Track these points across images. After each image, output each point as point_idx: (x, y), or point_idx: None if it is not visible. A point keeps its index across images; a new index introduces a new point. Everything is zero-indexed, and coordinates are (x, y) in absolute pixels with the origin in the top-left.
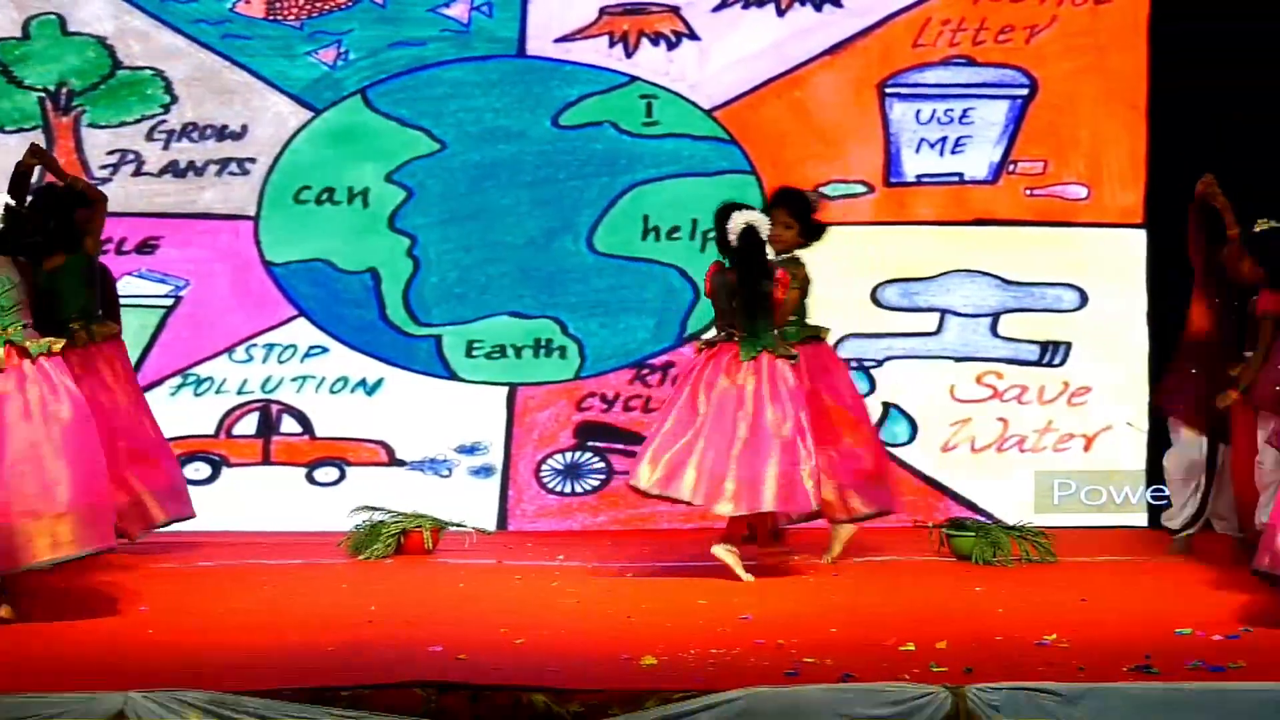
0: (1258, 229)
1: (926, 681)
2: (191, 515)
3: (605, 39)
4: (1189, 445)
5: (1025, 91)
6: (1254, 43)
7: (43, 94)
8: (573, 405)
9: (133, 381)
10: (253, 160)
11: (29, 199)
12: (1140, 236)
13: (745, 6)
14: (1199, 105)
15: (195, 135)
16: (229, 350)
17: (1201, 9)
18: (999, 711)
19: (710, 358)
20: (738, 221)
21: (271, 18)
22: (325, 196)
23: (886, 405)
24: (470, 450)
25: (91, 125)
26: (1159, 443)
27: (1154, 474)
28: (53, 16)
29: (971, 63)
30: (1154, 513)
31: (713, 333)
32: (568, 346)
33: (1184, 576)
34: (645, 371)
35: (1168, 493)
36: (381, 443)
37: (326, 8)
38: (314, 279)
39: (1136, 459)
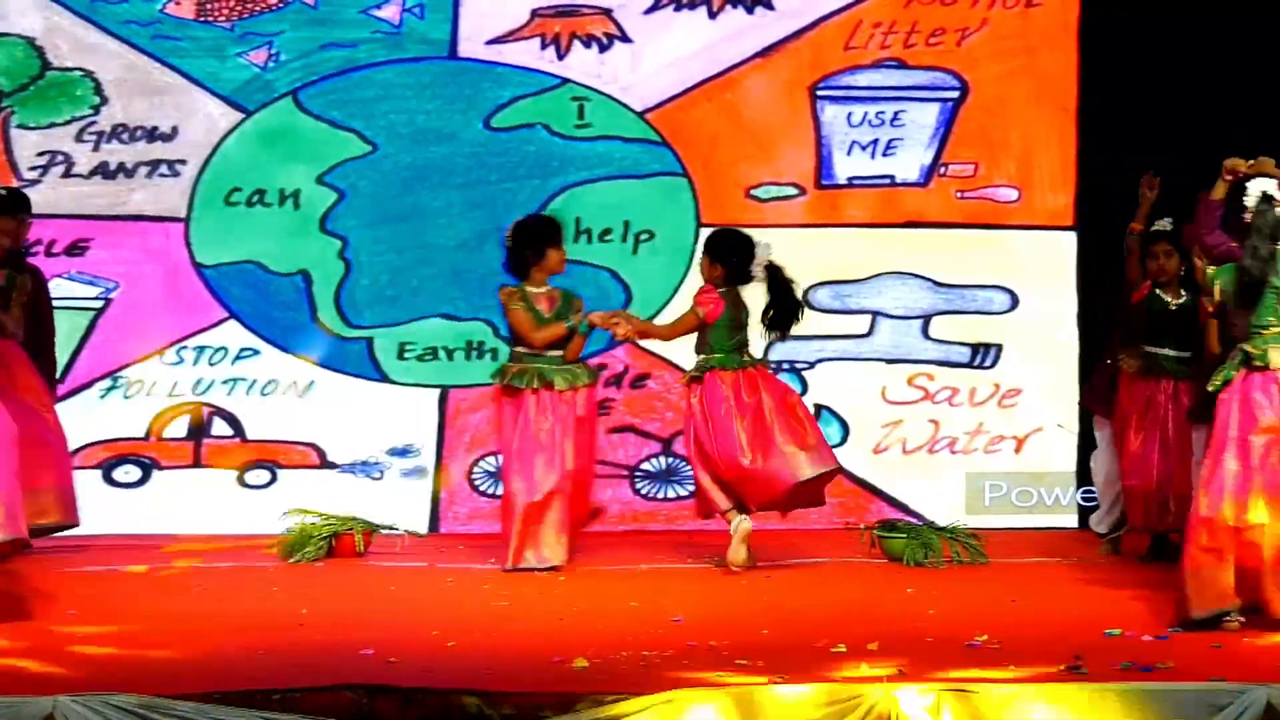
0: (1156, 228)
1: (858, 683)
2: (76, 523)
3: (537, 41)
4: (1113, 446)
5: (956, 94)
6: (1183, 44)
7: None
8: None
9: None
10: (183, 162)
11: None
12: (1071, 239)
13: (677, 9)
14: (1129, 107)
15: (125, 136)
16: (159, 352)
17: (1131, 11)
18: (930, 712)
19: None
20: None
21: (202, 19)
22: (256, 198)
23: (818, 407)
24: (402, 453)
25: (20, 127)
26: (1089, 444)
27: (1085, 475)
28: None
29: (903, 65)
30: (1084, 514)
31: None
32: (500, 349)
33: (1113, 578)
34: None
35: (1096, 494)
36: (313, 445)
37: (257, 9)
38: (245, 281)
39: (1067, 460)
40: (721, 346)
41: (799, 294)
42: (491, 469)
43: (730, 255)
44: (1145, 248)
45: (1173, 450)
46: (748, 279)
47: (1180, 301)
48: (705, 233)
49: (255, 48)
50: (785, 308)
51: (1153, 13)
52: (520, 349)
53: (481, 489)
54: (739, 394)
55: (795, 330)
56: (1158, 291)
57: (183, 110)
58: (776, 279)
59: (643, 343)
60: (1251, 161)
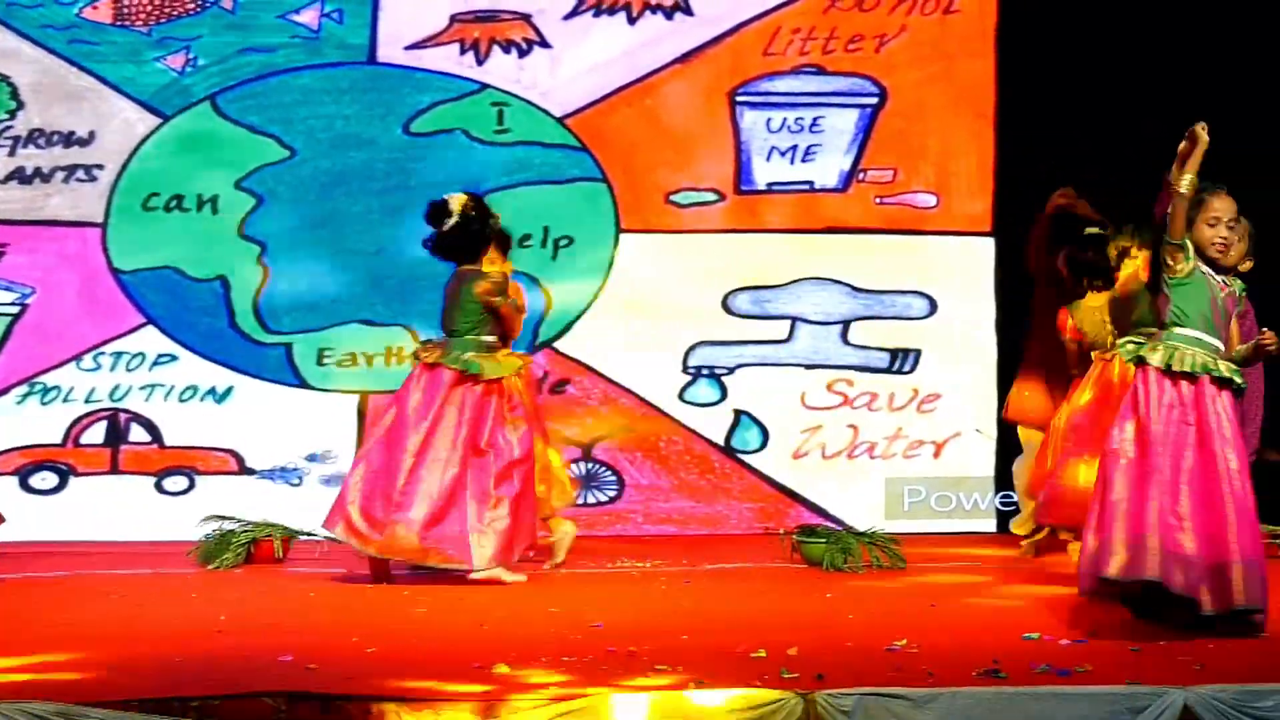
0: (1086, 233)
1: (778, 687)
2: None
3: (456, 46)
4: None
5: (875, 100)
6: (1099, 51)
7: None
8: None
9: None
10: (100, 167)
11: None
12: (989, 244)
13: (596, 14)
14: (1046, 114)
15: (42, 141)
16: (76, 358)
17: (1048, 19)
18: (850, 717)
19: None
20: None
21: (119, 23)
22: (174, 204)
23: (738, 412)
24: (321, 458)
25: None
26: (1008, 449)
27: (1003, 480)
28: None
29: (821, 71)
30: (1003, 518)
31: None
32: None
33: (1032, 582)
34: None
35: (1016, 499)
36: (231, 451)
37: (175, 13)
38: (162, 286)
39: (985, 465)
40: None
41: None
42: None
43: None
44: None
45: None
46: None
47: None
48: (624, 239)
49: (173, 52)
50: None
51: (1069, 20)
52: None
53: None
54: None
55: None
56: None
57: (100, 115)
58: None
59: (559, 346)
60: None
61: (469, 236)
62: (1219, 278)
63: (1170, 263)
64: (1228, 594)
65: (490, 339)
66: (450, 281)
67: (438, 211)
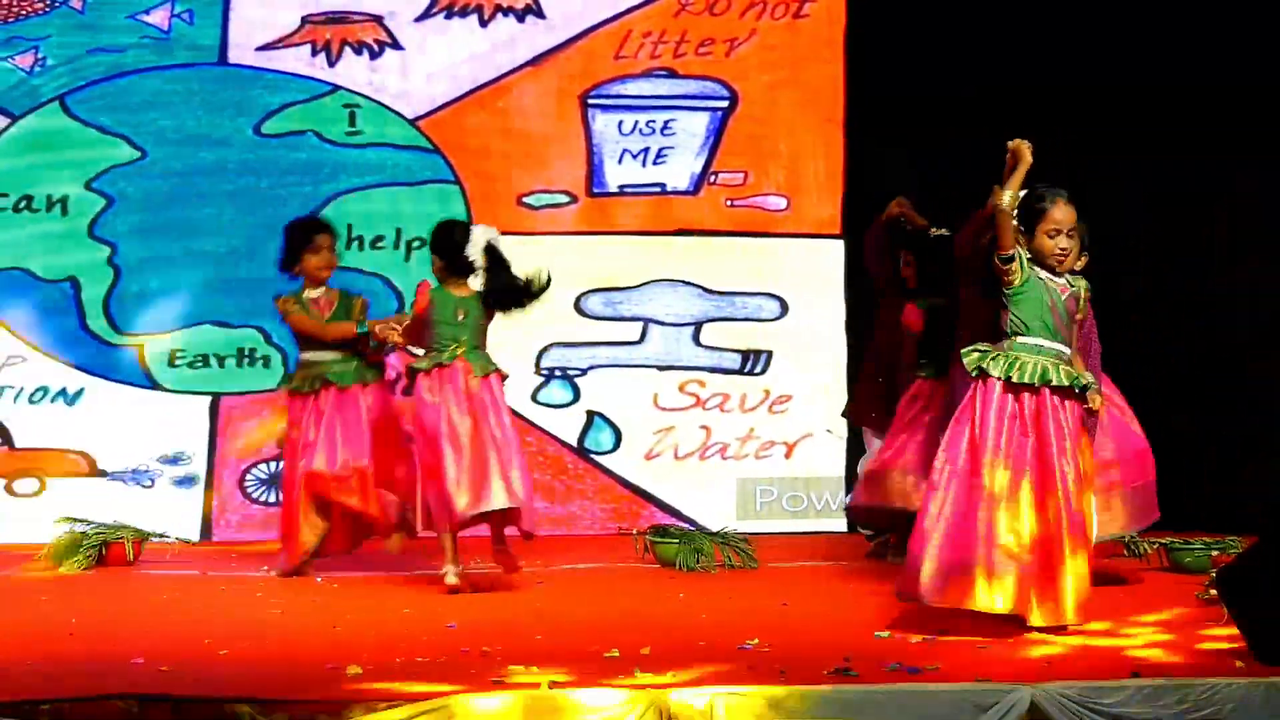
0: (933, 234)
1: (632, 688)
2: None
3: (308, 48)
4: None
5: (726, 103)
6: (946, 58)
7: None
8: (277, 415)
9: None
10: None
11: None
12: (838, 247)
13: (448, 16)
14: (894, 119)
15: None
16: None
17: (896, 25)
18: (703, 716)
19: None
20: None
21: None
22: (23, 204)
23: (590, 413)
24: (173, 460)
25: None
26: (858, 449)
27: (853, 480)
28: None
29: (673, 75)
30: (852, 518)
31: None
32: (271, 356)
33: (882, 581)
34: None
35: None
36: (82, 453)
37: (23, 13)
38: (11, 287)
39: (836, 465)
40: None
41: (517, 273)
42: (264, 476)
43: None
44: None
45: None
46: (467, 270)
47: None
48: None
49: (21, 52)
50: (503, 286)
51: (916, 26)
52: (307, 354)
53: (254, 496)
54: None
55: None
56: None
57: None
58: (495, 259)
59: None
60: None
61: None
62: (1058, 280)
63: (1005, 276)
64: (1058, 609)
65: None
66: None
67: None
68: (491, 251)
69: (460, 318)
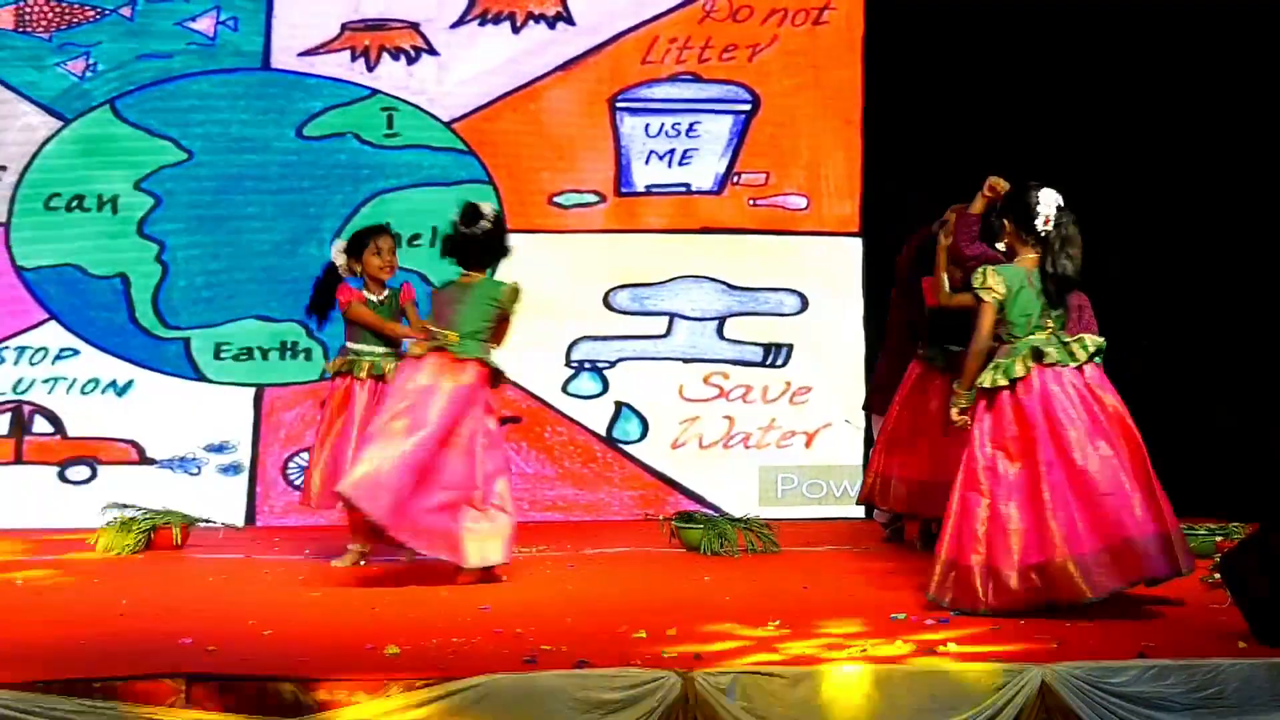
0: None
1: (658, 667)
2: None
3: (347, 53)
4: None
5: (748, 107)
6: (961, 62)
7: None
8: (318, 405)
9: None
10: (3, 168)
11: None
12: (856, 244)
13: (482, 23)
14: (910, 120)
15: None
16: None
17: (912, 31)
18: (726, 695)
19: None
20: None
21: (21, 29)
22: (75, 203)
23: (619, 404)
24: (219, 449)
25: None
26: (874, 439)
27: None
28: None
29: (697, 79)
30: (870, 505)
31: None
32: (313, 349)
33: (897, 564)
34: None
35: None
36: (132, 442)
37: (75, 20)
38: (65, 284)
39: (854, 454)
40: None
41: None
42: (305, 465)
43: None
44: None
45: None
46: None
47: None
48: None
49: (73, 58)
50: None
51: (932, 31)
52: (356, 345)
53: (296, 483)
54: None
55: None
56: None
57: (2, 118)
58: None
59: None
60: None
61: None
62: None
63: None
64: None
65: None
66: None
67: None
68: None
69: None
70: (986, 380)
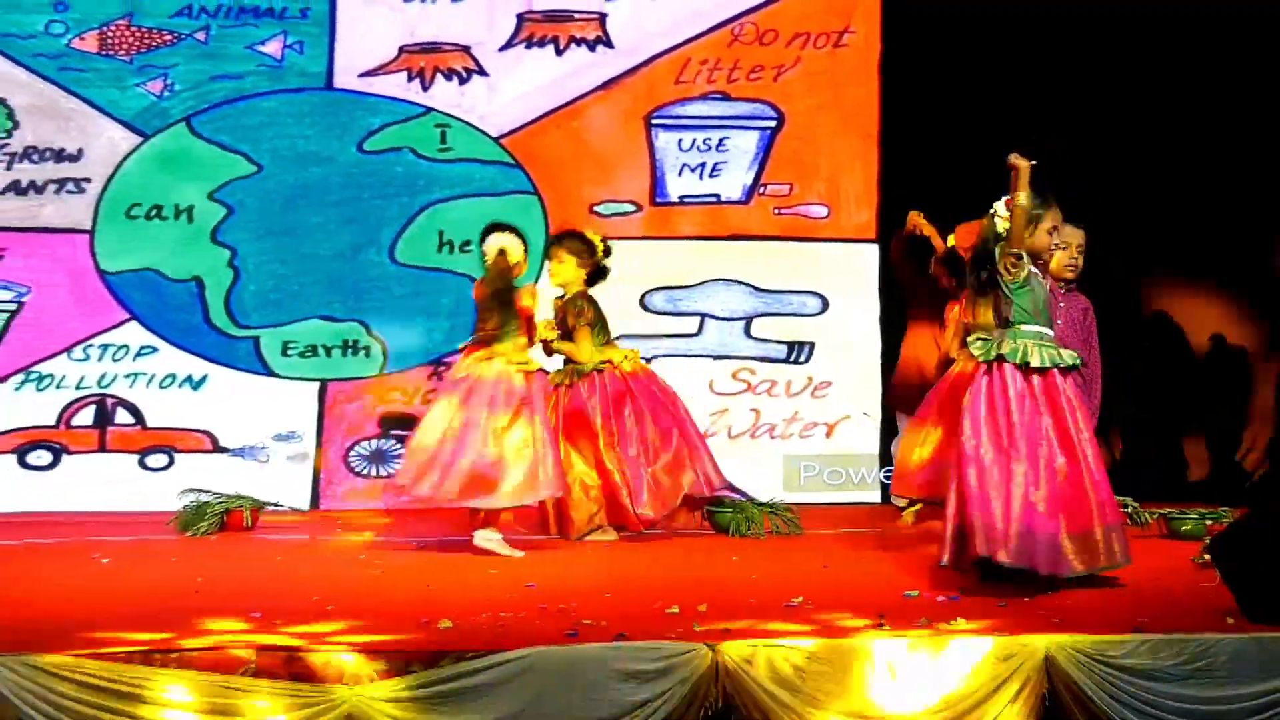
0: (949, 243)
1: (690, 640)
2: None
3: (404, 74)
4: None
5: (773, 123)
6: (970, 81)
7: None
8: (377, 398)
9: None
10: (88, 180)
11: None
12: (873, 250)
13: (528, 46)
14: (923, 135)
15: (36, 157)
16: (68, 350)
17: (926, 53)
18: (752, 664)
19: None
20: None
21: (104, 52)
22: (154, 212)
23: None
24: (286, 438)
25: None
26: (890, 430)
27: (886, 457)
28: None
29: (726, 98)
30: (886, 491)
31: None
32: (372, 346)
33: (911, 546)
34: (441, 368)
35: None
36: (206, 432)
37: (154, 44)
38: (144, 286)
39: (871, 444)
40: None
41: None
42: (366, 452)
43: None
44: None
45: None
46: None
47: None
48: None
49: (152, 78)
50: None
51: (944, 53)
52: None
53: (357, 470)
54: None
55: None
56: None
57: (87, 134)
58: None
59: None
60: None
61: None
62: (1045, 278)
63: (1012, 270)
64: (1094, 556)
65: None
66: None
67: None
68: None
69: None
70: (990, 352)
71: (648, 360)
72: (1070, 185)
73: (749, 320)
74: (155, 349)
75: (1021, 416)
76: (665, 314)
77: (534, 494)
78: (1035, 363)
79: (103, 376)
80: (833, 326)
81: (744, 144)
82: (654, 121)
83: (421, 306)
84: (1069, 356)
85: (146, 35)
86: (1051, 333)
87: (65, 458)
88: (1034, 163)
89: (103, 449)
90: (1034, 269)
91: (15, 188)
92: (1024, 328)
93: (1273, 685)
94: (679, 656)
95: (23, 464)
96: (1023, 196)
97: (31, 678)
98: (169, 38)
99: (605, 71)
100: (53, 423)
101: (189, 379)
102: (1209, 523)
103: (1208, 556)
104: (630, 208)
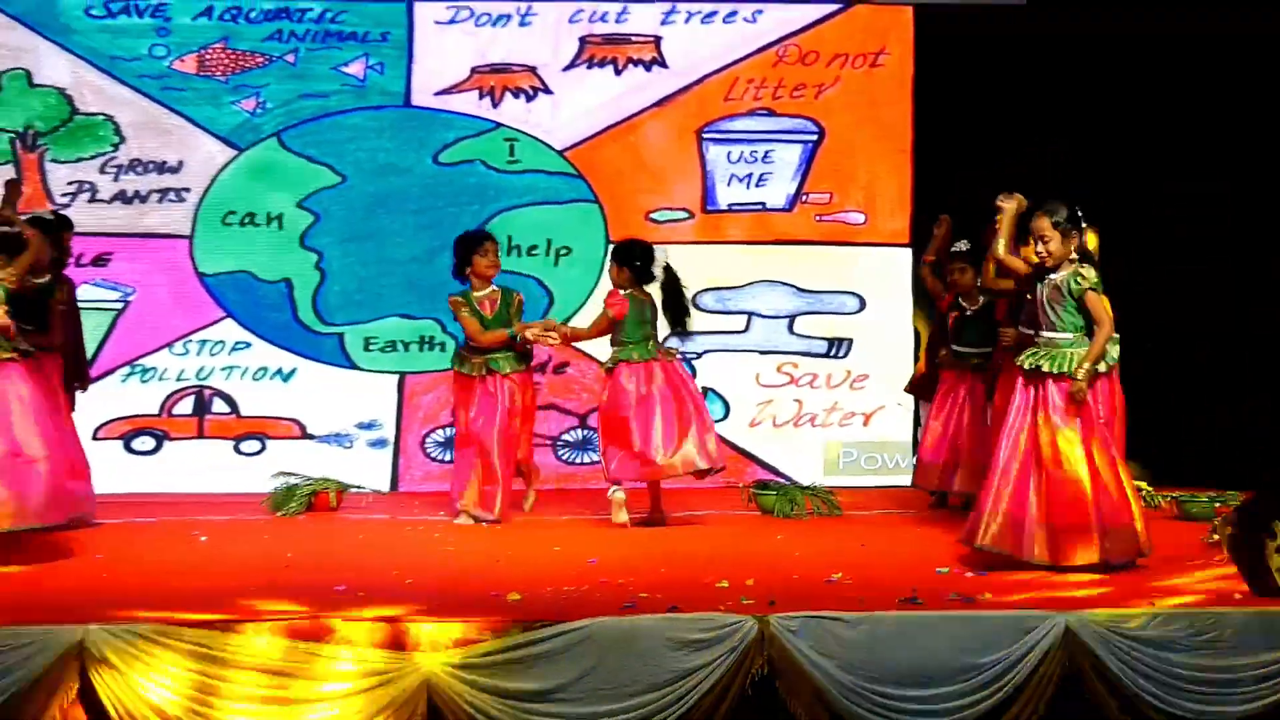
0: (955, 249)
1: (738, 612)
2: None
3: (476, 93)
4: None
5: (815, 137)
6: (997, 98)
7: (13, 135)
8: (451, 389)
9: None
10: (187, 190)
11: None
12: (907, 254)
13: (589, 67)
14: (953, 149)
15: (140, 169)
16: (169, 345)
17: (956, 73)
18: (796, 635)
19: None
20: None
21: (202, 73)
22: (247, 219)
23: (705, 389)
24: (368, 426)
25: (54, 161)
26: (921, 420)
27: (918, 444)
28: (21, 71)
29: (772, 114)
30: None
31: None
32: (446, 342)
33: (942, 526)
34: None
35: None
36: (295, 420)
37: (248, 66)
38: (238, 287)
39: (904, 432)
40: (631, 339)
41: (687, 293)
42: (441, 439)
43: (633, 260)
44: (946, 267)
45: (966, 429)
46: (650, 279)
47: (975, 307)
48: (612, 249)
49: (246, 97)
50: (678, 304)
51: (973, 73)
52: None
53: (432, 456)
54: (646, 382)
55: (688, 325)
56: (960, 300)
57: (187, 147)
58: (670, 279)
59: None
60: None
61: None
62: (1053, 275)
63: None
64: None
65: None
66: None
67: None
68: (668, 269)
69: (649, 316)
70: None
71: (698, 355)
72: (1075, 186)
73: (792, 318)
74: (249, 344)
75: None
76: (715, 312)
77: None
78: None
79: (201, 369)
80: (869, 324)
81: (787, 156)
82: (705, 135)
83: None
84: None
85: (240, 57)
86: (1053, 335)
87: (167, 444)
88: (1021, 205)
89: (201, 436)
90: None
91: (122, 197)
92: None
93: (1276, 655)
94: (728, 627)
95: (128, 449)
96: (1000, 248)
97: (133, 643)
98: (261, 60)
99: (660, 90)
100: (155, 412)
101: (279, 372)
102: (1217, 505)
103: (1216, 536)
104: (683, 215)
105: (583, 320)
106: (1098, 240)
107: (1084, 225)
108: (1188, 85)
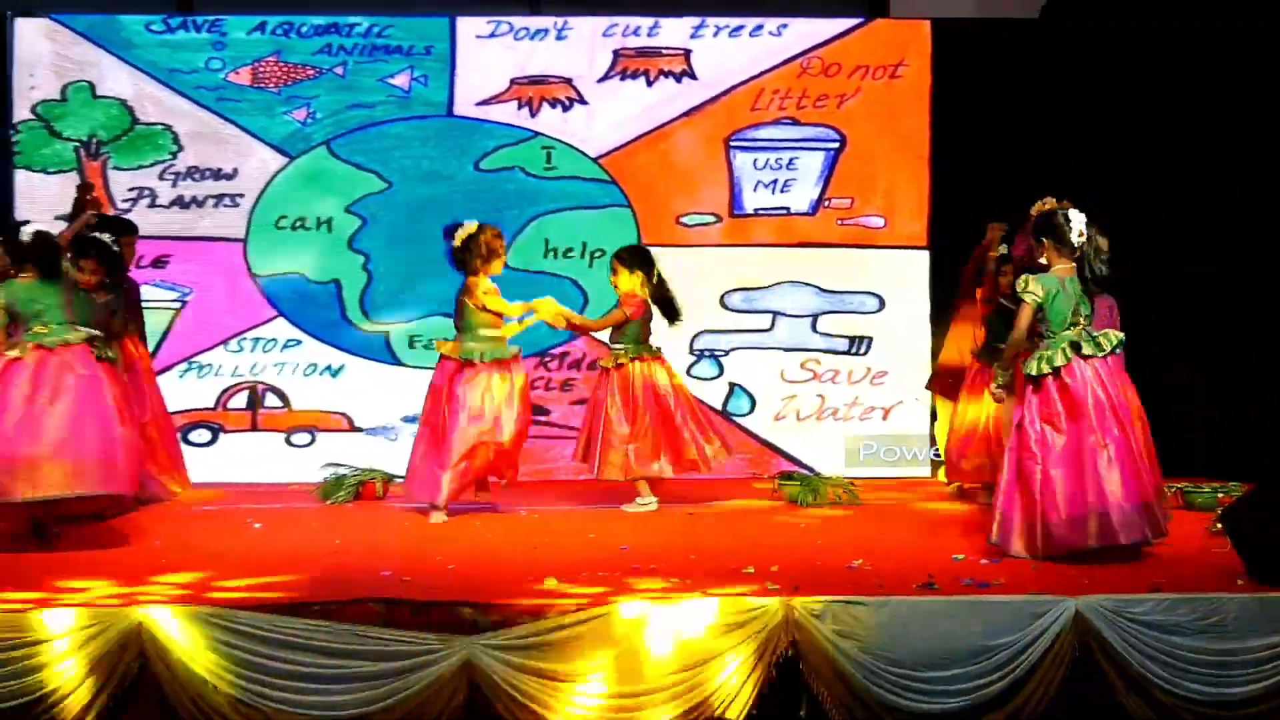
0: (1003, 253)
1: (764, 595)
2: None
3: (515, 103)
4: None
5: (837, 145)
6: (1011, 109)
7: (77, 144)
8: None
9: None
10: (242, 195)
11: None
12: (924, 256)
13: (623, 79)
14: (969, 157)
15: (197, 176)
16: (224, 342)
17: (972, 85)
18: (819, 619)
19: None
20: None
21: (256, 85)
22: (298, 223)
23: (732, 385)
24: (413, 420)
25: (116, 168)
26: (937, 415)
27: (935, 437)
28: (85, 83)
29: (796, 123)
30: (935, 467)
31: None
32: None
33: (958, 515)
34: (546, 359)
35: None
36: (344, 414)
37: (299, 78)
38: (290, 288)
39: (922, 425)
40: (639, 339)
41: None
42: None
43: (648, 265)
44: (987, 270)
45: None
46: (653, 283)
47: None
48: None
49: (297, 108)
50: (671, 303)
51: (988, 86)
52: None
53: None
54: (648, 378)
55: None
56: (1002, 300)
57: (241, 155)
58: (661, 281)
59: (597, 335)
60: None
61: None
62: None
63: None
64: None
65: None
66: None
67: (451, 230)
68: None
69: (650, 318)
70: (1033, 368)
71: (726, 352)
72: (1085, 189)
73: (815, 317)
74: (299, 342)
75: (1064, 420)
76: (742, 312)
77: None
78: (1060, 361)
79: (254, 365)
80: (889, 323)
81: (811, 163)
82: (732, 143)
83: None
84: (1088, 345)
85: (292, 70)
86: (1078, 331)
87: (222, 436)
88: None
89: (254, 429)
90: (1055, 276)
91: (179, 202)
92: (1057, 337)
93: (1276, 639)
94: (754, 610)
95: (186, 441)
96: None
97: (190, 627)
98: (311, 72)
99: (690, 100)
100: (211, 405)
101: (329, 368)
102: (1221, 496)
103: (1219, 525)
104: (711, 219)
105: None
106: (1107, 242)
107: (1053, 238)
108: (1196, 91)
